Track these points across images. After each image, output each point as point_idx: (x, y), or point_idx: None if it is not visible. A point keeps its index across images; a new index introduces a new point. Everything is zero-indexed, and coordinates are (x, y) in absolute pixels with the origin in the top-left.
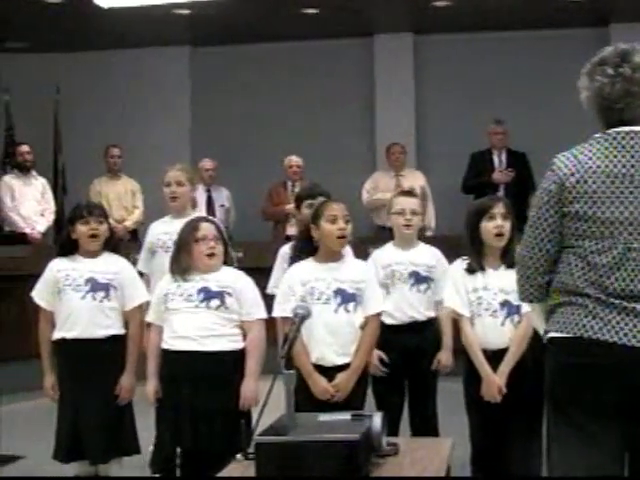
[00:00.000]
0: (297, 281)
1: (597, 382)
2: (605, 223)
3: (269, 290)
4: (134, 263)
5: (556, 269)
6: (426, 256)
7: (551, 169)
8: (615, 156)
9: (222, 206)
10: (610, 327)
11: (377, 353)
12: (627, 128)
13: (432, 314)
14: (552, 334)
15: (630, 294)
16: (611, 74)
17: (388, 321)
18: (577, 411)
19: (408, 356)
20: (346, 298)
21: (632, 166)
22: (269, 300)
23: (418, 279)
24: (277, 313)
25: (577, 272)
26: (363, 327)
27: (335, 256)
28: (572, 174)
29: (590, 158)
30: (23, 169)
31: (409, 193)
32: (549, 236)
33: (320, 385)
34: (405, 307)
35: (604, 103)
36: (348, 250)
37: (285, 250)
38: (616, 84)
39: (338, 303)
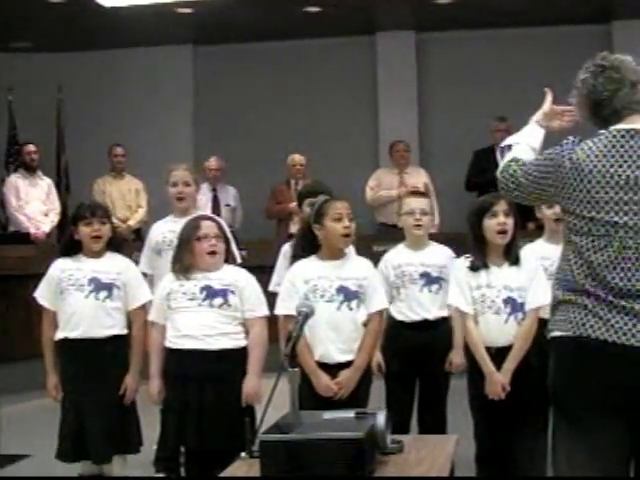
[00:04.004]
0: (300, 279)
1: (598, 382)
2: (601, 222)
3: (271, 288)
4: (137, 262)
5: (560, 265)
6: (437, 256)
7: (559, 156)
8: (613, 156)
9: (228, 205)
10: (609, 326)
11: (378, 360)
12: (625, 126)
13: (445, 314)
14: (554, 333)
15: (628, 293)
16: (593, 69)
17: (400, 318)
18: (580, 412)
19: (420, 354)
20: (349, 296)
21: (629, 167)
22: (271, 298)
23: (429, 280)
24: (280, 311)
25: (577, 269)
26: (366, 324)
27: (338, 254)
28: (573, 171)
29: (588, 156)
30: (29, 169)
31: (419, 193)
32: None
33: (323, 382)
34: (417, 307)
35: (592, 97)
36: (350, 248)
37: (287, 248)
38: (598, 76)
39: (341, 301)
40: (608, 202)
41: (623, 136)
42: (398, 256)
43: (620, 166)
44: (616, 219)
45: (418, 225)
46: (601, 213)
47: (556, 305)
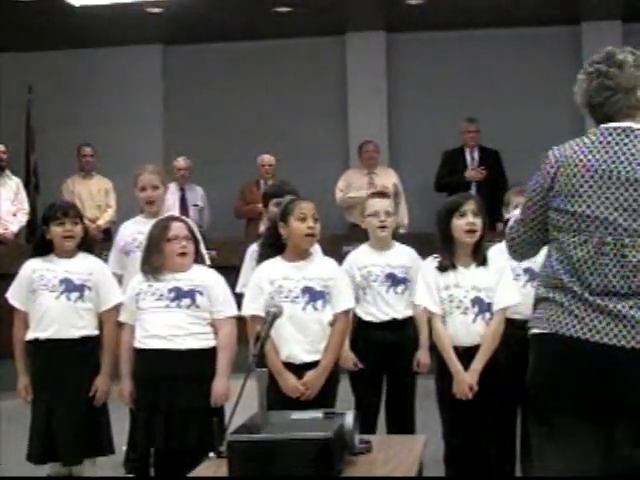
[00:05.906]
0: (265, 279)
1: (573, 380)
2: (582, 216)
3: (238, 289)
4: (106, 262)
5: (543, 263)
6: (402, 257)
7: (544, 161)
8: (599, 151)
9: (196, 206)
10: (584, 324)
11: (352, 358)
12: (615, 124)
13: (410, 313)
14: (533, 330)
15: (605, 290)
16: (590, 71)
17: (368, 319)
18: (554, 412)
19: (387, 353)
20: (314, 296)
21: (613, 162)
22: (239, 299)
23: (395, 281)
24: (246, 312)
25: (557, 264)
26: (332, 324)
27: (303, 254)
28: (558, 168)
29: (575, 152)
30: None
31: (382, 194)
32: (531, 224)
33: (290, 383)
34: (385, 308)
35: (586, 100)
36: (317, 248)
37: (254, 248)
38: (593, 80)
39: (306, 301)
40: (591, 196)
41: (610, 133)
42: (363, 257)
43: (605, 161)
44: (597, 213)
45: (383, 227)
46: (582, 207)
47: (536, 303)
